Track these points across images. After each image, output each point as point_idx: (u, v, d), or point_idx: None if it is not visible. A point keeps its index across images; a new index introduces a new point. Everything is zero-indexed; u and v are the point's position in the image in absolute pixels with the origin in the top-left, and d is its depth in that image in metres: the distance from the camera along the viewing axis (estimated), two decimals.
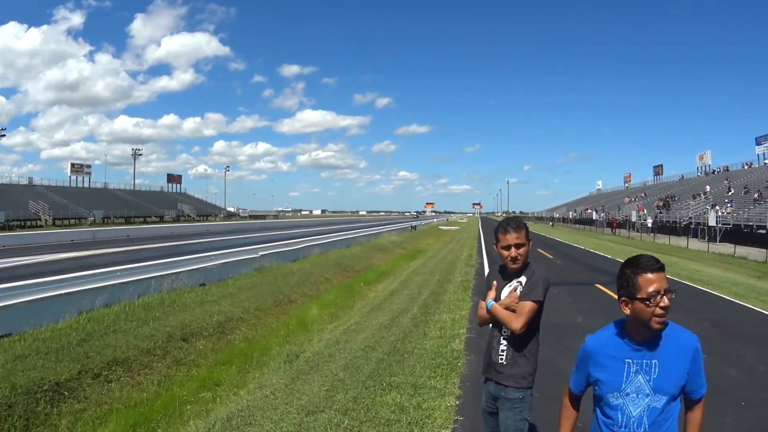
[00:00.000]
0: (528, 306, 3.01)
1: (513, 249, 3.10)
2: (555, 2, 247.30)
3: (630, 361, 2.23)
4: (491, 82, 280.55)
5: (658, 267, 2.19)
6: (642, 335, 2.22)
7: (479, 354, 6.88)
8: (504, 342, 3.14)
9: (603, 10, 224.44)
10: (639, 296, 2.16)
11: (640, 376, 2.21)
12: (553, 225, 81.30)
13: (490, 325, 3.25)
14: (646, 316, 2.16)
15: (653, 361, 2.20)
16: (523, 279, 3.12)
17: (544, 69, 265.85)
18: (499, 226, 3.20)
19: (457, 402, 5.50)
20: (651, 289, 2.14)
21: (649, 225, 48.66)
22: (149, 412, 6.94)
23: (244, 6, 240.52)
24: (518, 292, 3.09)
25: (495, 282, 3.25)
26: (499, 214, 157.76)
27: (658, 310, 2.14)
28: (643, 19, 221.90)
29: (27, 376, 6.88)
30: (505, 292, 3.17)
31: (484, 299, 3.23)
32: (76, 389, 7.16)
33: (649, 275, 2.17)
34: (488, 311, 3.15)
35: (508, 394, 3.10)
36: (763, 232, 32.68)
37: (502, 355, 3.13)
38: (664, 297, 2.14)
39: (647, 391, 2.20)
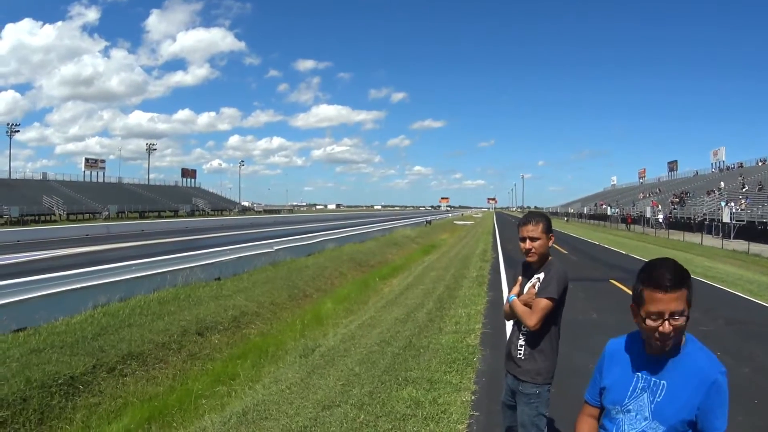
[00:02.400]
0: (542, 303, 2.99)
1: (528, 241, 3.11)
2: (569, 1, 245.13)
3: (640, 374, 1.95)
4: (505, 78, 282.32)
5: (670, 286, 1.80)
6: (652, 348, 1.92)
7: (495, 349, 6.85)
8: (522, 337, 3.13)
9: (617, 8, 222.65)
10: (641, 312, 1.87)
11: (645, 395, 1.92)
12: (567, 220, 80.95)
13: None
14: (646, 333, 1.89)
15: (662, 382, 1.89)
16: (541, 275, 3.10)
17: (558, 66, 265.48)
18: (520, 219, 3.21)
19: (473, 397, 5.43)
20: (654, 309, 1.81)
21: (660, 220, 48.30)
22: (164, 405, 6.96)
23: (259, 1, 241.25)
24: (536, 288, 3.07)
25: (520, 277, 3.27)
26: (515, 209, 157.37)
27: (657, 334, 1.83)
28: (657, 17, 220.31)
29: (42, 369, 6.92)
30: (527, 287, 3.16)
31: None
32: (90, 383, 7.20)
33: (658, 294, 1.80)
34: (509, 306, 3.14)
35: (524, 389, 3.10)
36: None
37: (521, 350, 3.13)
38: (665, 322, 1.80)
39: (646, 414, 1.90)
